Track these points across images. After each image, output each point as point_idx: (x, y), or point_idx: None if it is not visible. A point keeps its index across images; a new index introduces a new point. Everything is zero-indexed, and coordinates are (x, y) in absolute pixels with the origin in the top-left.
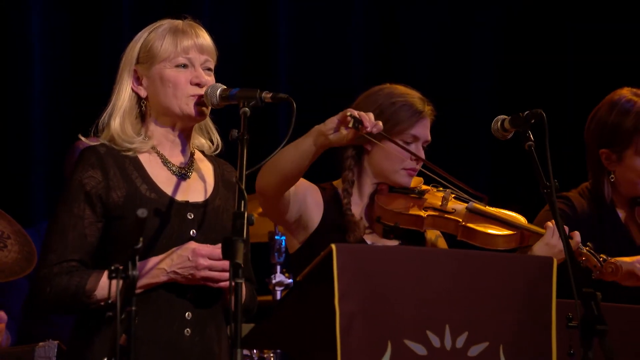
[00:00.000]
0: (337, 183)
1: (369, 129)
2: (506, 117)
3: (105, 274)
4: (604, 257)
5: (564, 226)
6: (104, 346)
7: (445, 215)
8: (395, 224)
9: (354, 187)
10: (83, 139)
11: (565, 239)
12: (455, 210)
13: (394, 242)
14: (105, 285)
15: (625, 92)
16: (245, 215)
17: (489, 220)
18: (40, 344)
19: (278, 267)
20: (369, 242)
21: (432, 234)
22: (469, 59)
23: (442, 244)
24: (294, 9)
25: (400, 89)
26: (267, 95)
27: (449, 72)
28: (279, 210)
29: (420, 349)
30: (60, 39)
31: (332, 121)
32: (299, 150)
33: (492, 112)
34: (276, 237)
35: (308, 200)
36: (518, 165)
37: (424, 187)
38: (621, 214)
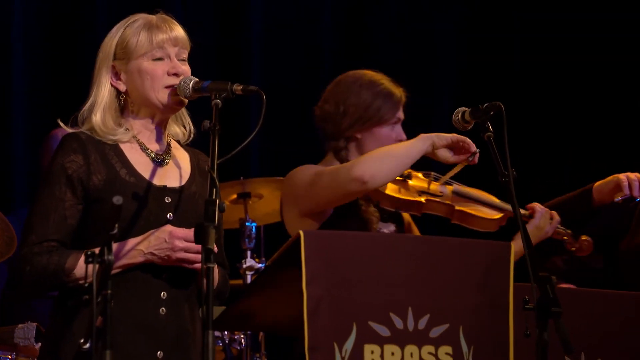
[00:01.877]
0: None
1: (475, 161)
2: (466, 109)
3: (84, 254)
4: (570, 232)
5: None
6: (81, 328)
7: (440, 200)
8: (396, 210)
9: None
10: (62, 125)
11: (523, 226)
12: (443, 193)
13: (389, 225)
14: (83, 265)
15: None
16: (217, 202)
17: (474, 201)
18: (20, 325)
19: (248, 253)
20: (384, 230)
21: (407, 215)
22: (433, 55)
23: (408, 216)
24: (266, 9)
25: (375, 76)
26: (237, 88)
27: (412, 68)
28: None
29: (384, 331)
30: (40, 29)
31: (446, 139)
32: (412, 155)
33: (453, 104)
34: (247, 224)
35: None
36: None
37: (410, 172)
38: None
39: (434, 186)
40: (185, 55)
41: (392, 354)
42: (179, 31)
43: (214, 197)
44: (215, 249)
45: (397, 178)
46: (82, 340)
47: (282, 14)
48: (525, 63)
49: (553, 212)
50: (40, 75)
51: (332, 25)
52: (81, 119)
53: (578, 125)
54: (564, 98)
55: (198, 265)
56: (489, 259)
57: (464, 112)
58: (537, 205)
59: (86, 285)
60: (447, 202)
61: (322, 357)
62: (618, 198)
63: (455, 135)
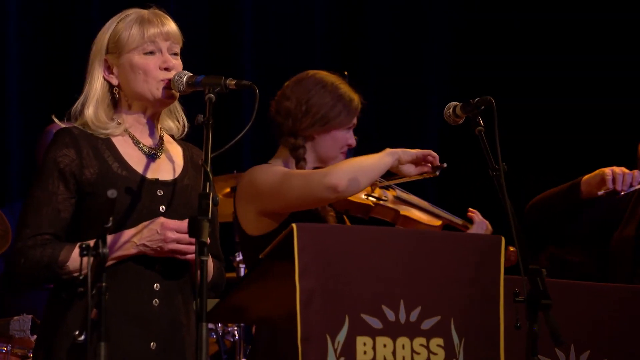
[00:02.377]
0: None
1: (435, 175)
2: (458, 103)
3: (78, 246)
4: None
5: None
6: (76, 320)
7: (387, 204)
8: (345, 212)
9: None
10: (57, 121)
11: (513, 216)
12: (387, 198)
13: None
14: (77, 257)
15: None
16: (211, 196)
17: (415, 208)
18: (15, 317)
19: None
20: None
21: (346, 219)
22: (424, 51)
23: (346, 219)
24: (259, 5)
25: (337, 81)
26: (231, 82)
27: (404, 62)
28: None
29: (376, 323)
30: (35, 25)
31: (411, 155)
32: (380, 169)
33: (444, 100)
34: None
35: None
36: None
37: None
38: None
39: (379, 191)
40: (177, 50)
41: (384, 345)
42: (170, 26)
43: (207, 190)
44: (208, 241)
45: None
46: (77, 332)
47: (276, 10)
48: (518, 62)
49: (487, 222)
50: (35, 72)
51: (325, 22)
52: (74, 113)
53: (569, 120)
54: (555, 96)
55: (190, 256)
56: (480, 252)
57: (455, 107)
58: (476, 215)
59: (81, 277)
60: (392, 206)
61: (314, 349)
62: (602, 191)
63: (420, 150)
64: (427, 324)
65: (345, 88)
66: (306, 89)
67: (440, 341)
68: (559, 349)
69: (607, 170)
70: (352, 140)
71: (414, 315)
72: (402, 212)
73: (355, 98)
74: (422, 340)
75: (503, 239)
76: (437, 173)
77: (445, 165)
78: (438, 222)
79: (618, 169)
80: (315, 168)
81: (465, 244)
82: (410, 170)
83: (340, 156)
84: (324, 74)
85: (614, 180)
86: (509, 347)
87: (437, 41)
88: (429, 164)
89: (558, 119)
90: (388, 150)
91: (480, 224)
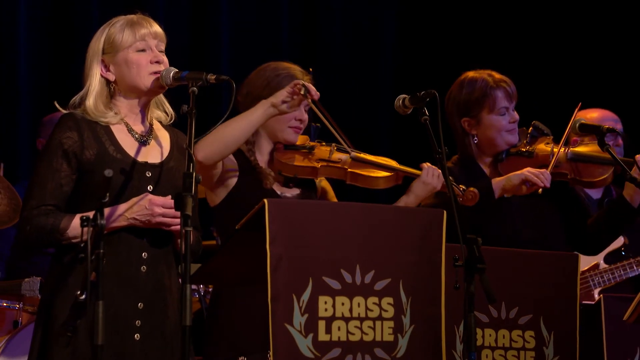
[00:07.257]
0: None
1: (314, 96)
2: (406, 96)
3: (77, 216)
4: (463, 187)
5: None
6: (75, 282)
7: (333, 165)
8: (294, 175)
9: (255, 147)
10: (59, 107)
11: (452, 191)
12: (340, 160)
13: (294, 190)
14: (76, 226)
15: (469, 73)
16: (194, 175)
17: (369, 165)
18: (26, 279)
19: None
20: (277, 191)
21: (325, 184)
22: (377, 48)
23: (325, 184)
24: (233, 12)
25: (284, 64)
26: (211, 77)
27: (359, 57)
28: (211, 175)
29: (335, 284)
30: (42, 23)
31: (282, 94)
32: (250, 120)
33: (395, 92)
34: None
35: (225, 161)
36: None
37: (311, 143)
38: (486, 170)
39: (335, 155)
40: (163, 47)
41: (343, 304)
42: (157, 27)
43: (191, 170)
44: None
45: (303, 150)
46: (78, 292)
47: (248, 13)
48: (459, 51)
49: (437, 168)
50: (42, 65)
51: (289, 22)
52: (73, 105)
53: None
54: None
55: (174, 227)
56: (424, 224)
57: (404, 99)
58: (425, 164)
59: (82, 245)
60: (340, 166)
61: (282, 307)
62: None
63: (288, 87)
64: (379, 285)
65: (287, 71)
66: (252, 76)
67: (390, 300)
68: (492, 306)
69: None
70: (300, 114)
71: (368, 278)
72: (349, 170)
73: (296, 78)
74: (375, 299)
75: (445, 212)
76: (311, 94)
77: (301, 81)
78: (386, 174)
79: None
80: (272, 143)
81: (412, 217)
82: (294, 104)
83: (289, 130)
84: (276, 62)
85: None
86: (449, 305)
87: (387, 37)
88: (301, 92)
89: None
90: (261, 101)
91: (427, 169)
